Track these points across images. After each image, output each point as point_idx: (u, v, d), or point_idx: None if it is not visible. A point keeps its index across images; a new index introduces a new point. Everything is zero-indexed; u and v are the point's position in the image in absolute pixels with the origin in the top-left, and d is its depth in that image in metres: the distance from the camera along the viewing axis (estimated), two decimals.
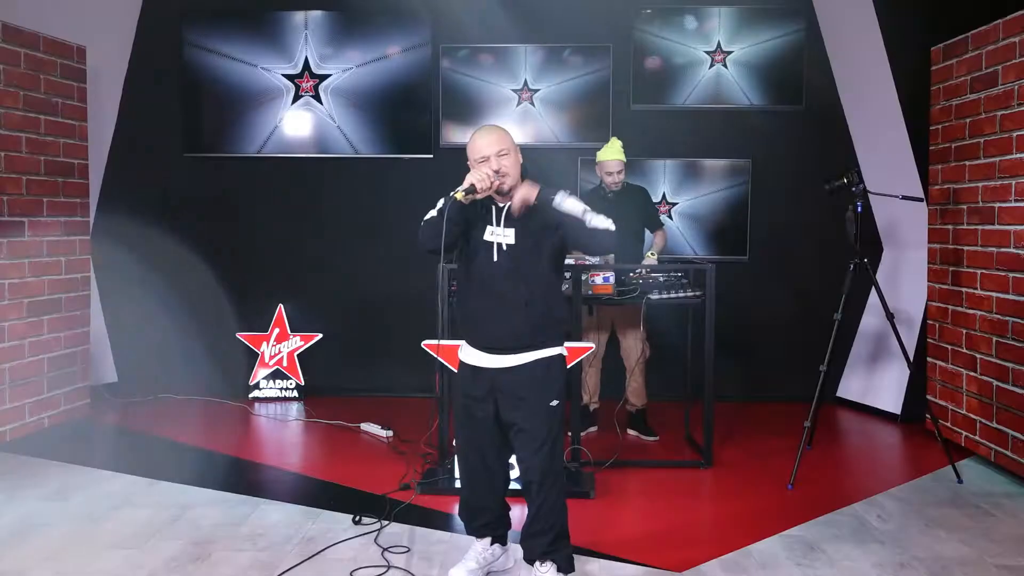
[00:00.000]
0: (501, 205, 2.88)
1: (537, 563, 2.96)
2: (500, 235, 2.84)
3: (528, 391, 2.87)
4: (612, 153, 4.85)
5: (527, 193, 2.79)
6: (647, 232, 5.20)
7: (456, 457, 3.15)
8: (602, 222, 2.77)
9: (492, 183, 2.78)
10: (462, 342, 3.02)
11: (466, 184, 2.75)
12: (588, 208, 2.79)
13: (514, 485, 3.31)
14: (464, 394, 2.99)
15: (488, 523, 3.07)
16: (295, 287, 6.16)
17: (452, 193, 2.75)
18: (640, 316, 4.55)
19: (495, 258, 2.85)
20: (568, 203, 2.77)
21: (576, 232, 2.78)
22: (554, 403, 2.88)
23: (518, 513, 3.24)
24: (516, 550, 3.26)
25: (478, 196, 2.79)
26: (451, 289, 4.19)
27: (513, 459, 3.24)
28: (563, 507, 2.95)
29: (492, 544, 3.12)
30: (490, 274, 2.86)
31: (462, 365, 3.02)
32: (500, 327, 2.86)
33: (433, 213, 2.84)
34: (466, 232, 2.89)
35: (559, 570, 2.94)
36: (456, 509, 3.51)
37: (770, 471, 4.39)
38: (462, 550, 3.27)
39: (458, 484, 3.91)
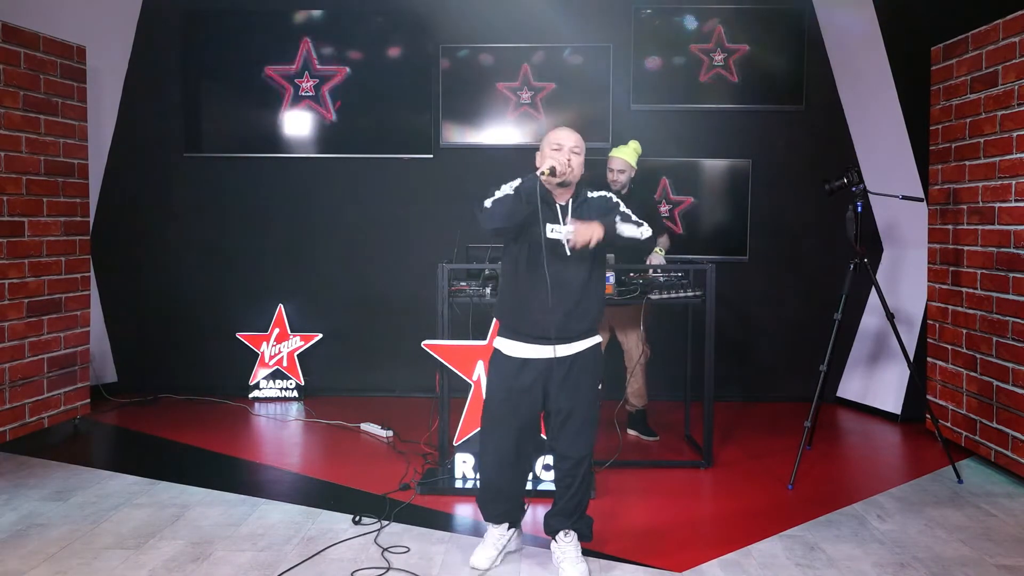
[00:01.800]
0: (562, 203, 3.04)
1: (561, 533, 3.14)
2: (567, 232, 2.95)
3: (585, 375, 3.08)
4: (620, 151, 4.84)
5: (595, 233, 2.90)
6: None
7: (481, 450, 3.20)
8: (647, 229, 3.03)
9: (565, 171, 2.94)
10: (499, 338, 3.11)
11: (547, 166, 2.90)
12: (638, 223, 3.02)
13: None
14: (507, 387, 3.07)
15: (509, 509, 3.21)
16: (295, 287, 6.15)
17: (538, 172, 2.89)
18: (640, 316, 4.56)
19: (567, 252, 2.98)
20: (627, 229, 2.99)
21: (631, 249, 3.05)
22: (600, 386, 3.14)
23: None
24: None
25: (554, 180, 2.94)
26: (453, 289, 4.20)
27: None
28: (592, 482, 3.26)
29: (509, 529, 3.23)
30: (557, 269, 2.97)
31: (506, 359, 3.08)
32: (566, 318, 2.99)
33: (507, 191, 2.93)
34: (523, 225, 2.97)
35: (580, 537, 3.16)
36: (456, 508, 3.52)
37: (770, 471, 4.39)
38: (463, 550, 3.28)
39: (459, 484, 3.99)
